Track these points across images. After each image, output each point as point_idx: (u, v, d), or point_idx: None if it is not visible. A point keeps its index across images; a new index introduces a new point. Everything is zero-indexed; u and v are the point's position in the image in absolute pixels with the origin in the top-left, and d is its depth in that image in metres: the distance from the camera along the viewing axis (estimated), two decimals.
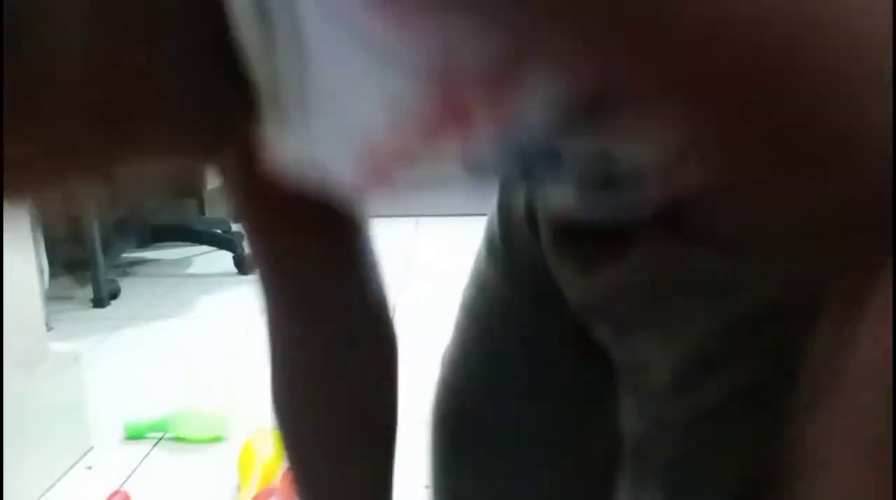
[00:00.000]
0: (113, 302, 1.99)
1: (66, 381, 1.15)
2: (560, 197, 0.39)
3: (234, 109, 0.30)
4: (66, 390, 1.15)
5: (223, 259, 2.37)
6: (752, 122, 0.22)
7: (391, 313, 0.47)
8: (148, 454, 1.17)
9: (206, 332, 1.76)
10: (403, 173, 0.32)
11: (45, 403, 1.09)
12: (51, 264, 1.80)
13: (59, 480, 1.10)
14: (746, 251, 0.32)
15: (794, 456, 0.24)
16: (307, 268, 0.45)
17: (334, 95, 0.28)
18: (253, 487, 0.99)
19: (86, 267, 1.98)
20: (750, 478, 0.35)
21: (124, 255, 2.38)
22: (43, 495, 1.05)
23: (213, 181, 2.82)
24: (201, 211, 2.75)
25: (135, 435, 1.23)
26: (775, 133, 0.22)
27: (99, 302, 1.96)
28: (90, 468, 1.14)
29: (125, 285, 2.13)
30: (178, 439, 1.21)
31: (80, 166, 0.27)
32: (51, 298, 1.95)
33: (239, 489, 1.02)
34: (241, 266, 2.28)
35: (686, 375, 0.36)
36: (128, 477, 1.10)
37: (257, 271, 0.47)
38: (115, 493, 1.02)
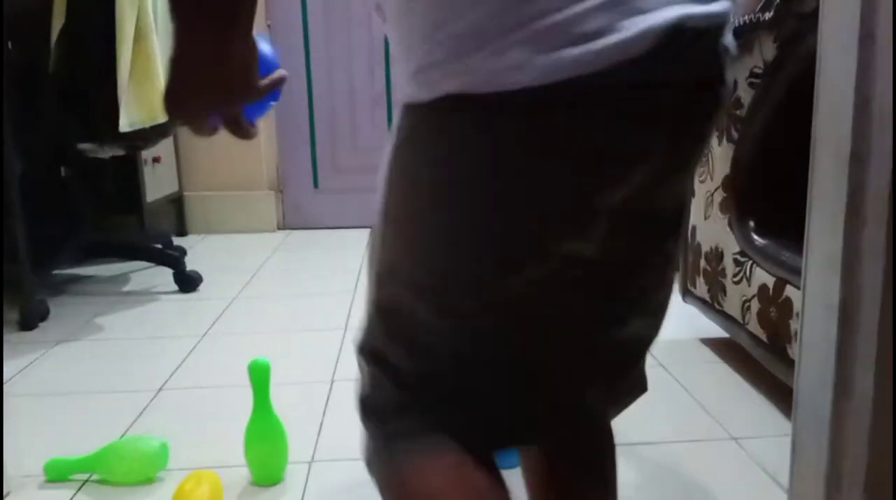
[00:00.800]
0: (41, 324, 1.84)
1: None
2: None
3: None
4: None
5: (163, 276, 2.23)
6: None
7: None
8: (71, 499, 1.04)
9: (142, 356, 1.63)
10: None
11: None
12: None
13: None
14: None
15: None
16: None
17: None
18: None
19: (13, 287, 1.82)
20: None
21: (56, 272, 2.22)
22: None
23: (154, 193, 2.68)
24: (141, 224, 2.59)
25: (56, 478, 1.09)
26: None
27: (26, 324, 1.81)
28: None
29: (55, 305, 1.97)
30: (104, 481, 1.09)
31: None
32: None
33: None
34: (183, 283, 2.14)
35: None
36: None
37: None
38: None
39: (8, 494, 1.06)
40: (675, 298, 1.61)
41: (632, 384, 0.65)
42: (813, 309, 0.67)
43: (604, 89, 0.46)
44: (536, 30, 0.45)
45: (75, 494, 1.06)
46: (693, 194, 1.51)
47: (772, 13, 1.14)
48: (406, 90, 0.52)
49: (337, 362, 1.54)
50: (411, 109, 0.52)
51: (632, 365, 0.63)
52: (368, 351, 0.58)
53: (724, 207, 1.37)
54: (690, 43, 0.46)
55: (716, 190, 1.39)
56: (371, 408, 0.58)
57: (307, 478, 1.09)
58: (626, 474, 1.08)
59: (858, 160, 0.60)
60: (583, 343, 0.57)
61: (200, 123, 0.58)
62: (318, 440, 1.20)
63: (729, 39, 0.51)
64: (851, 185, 0.60)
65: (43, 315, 1.87)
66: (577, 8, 0.44)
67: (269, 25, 2.93)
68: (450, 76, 0.47)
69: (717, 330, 1.50)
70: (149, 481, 1.08)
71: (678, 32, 0.45)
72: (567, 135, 0.47)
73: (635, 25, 0.44)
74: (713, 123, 0.54)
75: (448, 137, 0.50)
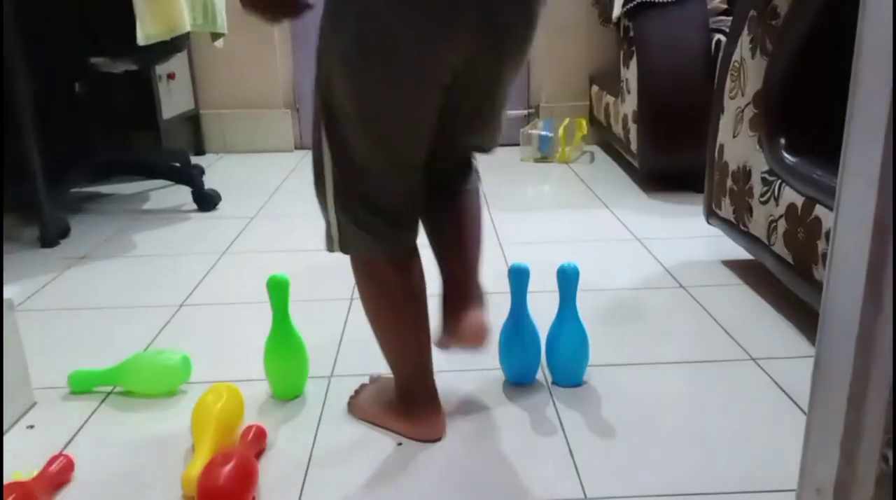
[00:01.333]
0: (62, 241, 1.85)
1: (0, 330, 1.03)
2: None
3: None
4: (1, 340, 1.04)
5: (182, 194, 2.23)
6: None
7: None
8: (94, 411, 1.06)
9: (163, 272, 1.64)
10: None
11: None
12: None
13: None
14: None
15: None
16: None
17: None
18: (207, 448, 0.89)
19: (31, 205, 1.83)
20: None
21: (75, 190, 2.22)
22: None
23: (169, 110, 2.65)
24: (158, 143, 2.58)
25: (80, 389, 1.11)
26: None
27: (47, 241, 1.82)
28: (32, 427, 1.03)
29: (76, 222, 1.98)
30: (128, 393, 1.11)
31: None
32: None
33: (193, 450, 0.92)
34: (202, 202, 2.13)
35: None
36: (72, 438, 1.00)
37: None
38: (57, 456, 0.91)
39: (34, 405, 1.09)
40: (697, 221, 1.58)
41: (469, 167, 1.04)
42: (846, 225, 0.64)
43: None
44: None
45: (99, 405, 1.08)
46: (722, 111, 1.45)
47: None
48: None
49: None
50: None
51: (469, 159, 1.04)
52: (334, 192, 0.92)
53: (754, 124, 1.32)
54: None
55: (746, 106, 1.34)
56: (344, 232, 0.93)
57: (326, 392, 1.10)
58: (646, 391, 1.08)
59: None
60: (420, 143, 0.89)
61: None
62: (337, 355, 1.21)
63: None
64: None
65: (63, 232, 1.88)
66: None
67: None
68: None
69: (740, 252, 1.47)
70: (171, 393, 1.10)
71: None
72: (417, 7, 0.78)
73: None
74: (516, 17, 0.84)
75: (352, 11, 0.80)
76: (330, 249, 0.96)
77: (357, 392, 1.07)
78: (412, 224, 0.94)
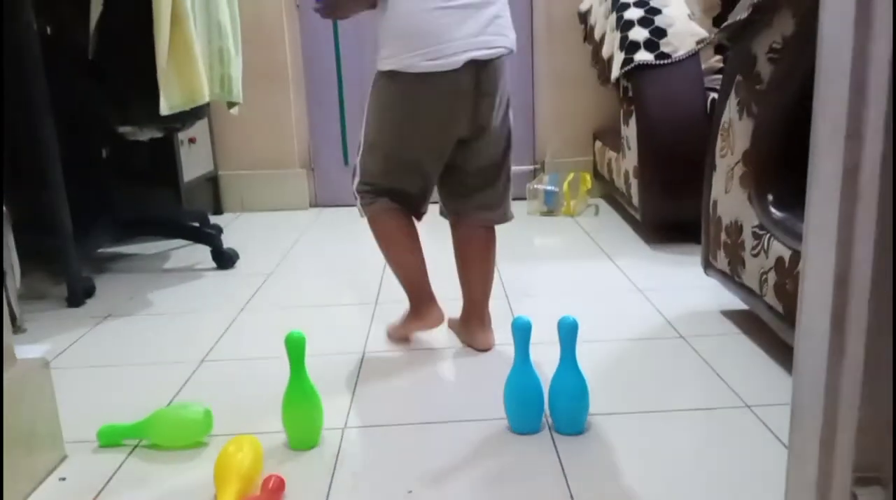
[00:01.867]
0: (88, 300, 1.94)
1: (36, 388, 1.10)
2: None
3: None
4: (36, 397, 1.10)
5: (201, 252, 2.32)
6: None
7: None
8: (123, 462, 1.13)
9: (185, 329, 1.71)
10: None
11: (14, 411, 1.04)
12: (22, 260, 1.74)
13: (31, 493, 1.05)
14: None
15: None
16: None
17: None
18: (229, 498, 0.95)
19: (59, 262, 1.92)
20: None
21: (100, 250, 2.32)
22: None
23: (190, 173, 2.77)
24: (178, 203, 2.69)
25: (109, 442, 1.18)
26: None
27: (73, 300, 1.91)
28: (63, 479, 1.09)
29: (101, 281, 2.07)
30: (153, 445, 1.17)
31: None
32: (22, 296, 1.89)
33: (215, 498, 0.98)
34: (221, 260, 2.22)
35: None
36: (101, 489, 1.06)
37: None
38: None
39: (65, 458, 1.15)
40: (697, 271, 1.64)
41: (476, 203, 1.50)
42: (811, 278, 0.70)
43: (446, 76, 1.31)
44: (422, 53, 1.30)
45: (127, 458, 1.14)
46: (714, 168, 1.53)
47: None
48: (377, 65, 1.37)
49: (368, 334, 1.60)
50: (378, 73, 1.38)
51: (475, 191, 1.49)
52: (358, 170, 1.47)
53: (744, 181, 1.39)
54: (480, 64, 1.33)
55: (736, 164, 1.42)
56: (357, 190, 1.47)
57: (340, 443, 1.16)
58: (644, 439, 1.13)
59: (854, 138, 0.63)
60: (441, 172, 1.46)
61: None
62: (350, 407, 1.27)
63: (506, 53, 1.40)
64: (847, 162, 0.64)
65: (89, 292, 1.97)
66: (435, 50, 1.29)
67: (297, 6, 2.98)
68: (392, 63, 1.34)
69: (737, 302, 1.53)
70: (195, 445, 1.16)
71: (471, 62, 1.31)
72: (432, 90, 1.33)
73: (455, 60, 1.30)
74: (494, 98, 1.38)
75: (391, 86, 1.37)
76: (361, 214, 1.51)
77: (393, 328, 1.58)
78: (396, 198, 1.46)
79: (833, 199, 0.66)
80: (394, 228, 1.48)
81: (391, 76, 1.35)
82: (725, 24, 1.40)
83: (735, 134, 1.41)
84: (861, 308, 0.64)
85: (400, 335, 1.57)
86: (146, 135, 2.13)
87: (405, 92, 1.35)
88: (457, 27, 1.30)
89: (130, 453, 1.15)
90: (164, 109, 1.82)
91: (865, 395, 0.66)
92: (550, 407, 1.16)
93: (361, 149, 1.45)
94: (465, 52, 1.30)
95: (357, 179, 1.47)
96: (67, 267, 1.90)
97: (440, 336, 1.58)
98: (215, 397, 1.30)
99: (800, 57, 1.21)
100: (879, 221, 0.62)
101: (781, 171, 1.31)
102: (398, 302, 1.85)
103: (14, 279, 1.70)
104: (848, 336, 0.67)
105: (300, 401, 1.14)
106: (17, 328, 1.70)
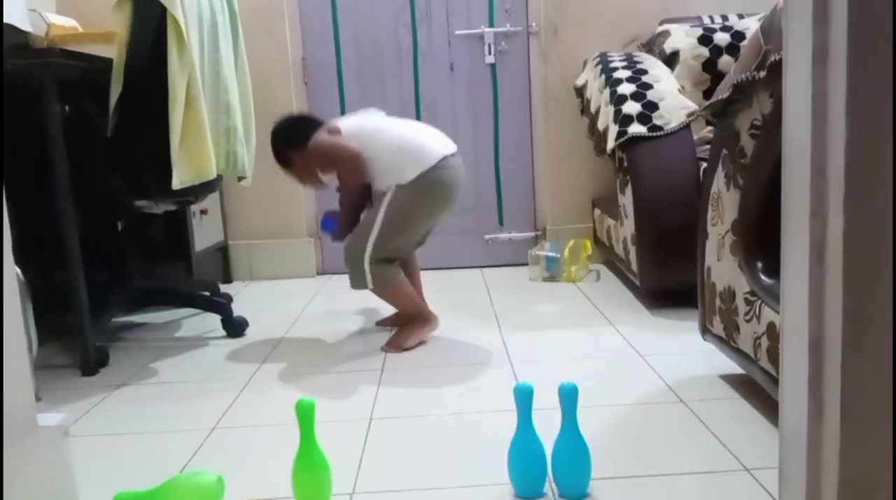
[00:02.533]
0: (102, 370, 1.98)
1: (55, 456, 1.14)
2: None
3: None
4: (55, 464, 1.14)
5: (212, 321, 2.37)
6: None
7: None
8: None
9: (196, 397, 1.75)
10: None
11: (34, 479, 1.08)
12: (38, 331, 1.80)
13: None
14: None
15: None
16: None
17: None
18: None
19: (73, 334, 1.98)
20: None
21: (113, 320, 2.37)
22: None
23: (201, 243, 2.84)
24: (189, 273, 2.76)
25: None
26: None
27: (87, 370, 1.95)
28: None
29: (114, 351, 2.12)
30: None
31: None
32: (38, 367, 1.94)
33: None
34: (231, 329, 2.27)
35: None
36: None
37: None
38: None
39: None
40: (696, 336, 1.69)
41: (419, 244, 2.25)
42: (790, 345, 0.76)
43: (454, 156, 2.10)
44: (414, 169, 2.02)
45: None
46: (707, 236, 1.60)
47: (765, 72, 1.24)
48: (390, 182, 2.04)
49: (375, 401, 1.64)
50: (398, 187, 2.03)
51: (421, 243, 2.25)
52: (372, 249, 2.05)
53: (734, 249, 1.46)
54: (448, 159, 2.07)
55: (726, 233, 1.48)
56: (371, 262, 2.05)
57: None
58: None
59: (818, 216, 0.70)
60: (419, 238, 2.20)
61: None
62: (358, 473, 1.30)
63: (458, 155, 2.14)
64: (813, 237, 0.70)
65: (103, 361, 2.01)
66: (422, 161, 2.02)
67: (306, 83, 3.11)
68: (397, 179, 2.02)
69: (734, 366, 1.57)
70: None
71: (444, 158, 2.04)
72: (451, 169, 2.07)
73: (433, 157, 2.03)
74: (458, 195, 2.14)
75: (417, 184, 2.02)
76: (360, 287, 2.08)
77: (389, 344, 2.07)
78: (401, 260, 2.14)
79: (803, 271, 0.72)
80: (402, 279, 2.11)
81: (416, 180, 2.01)
82: (710, 101, 1.49)
83: (724, 204, 1.48)
84: (834, 371, 0.69)
85: (416, 343, 2.07)
86: (161, 208, 2.21)
87: (436, 179, 2.03)
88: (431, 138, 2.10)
89: None
90: (176, 183, 1.90)
91: (845, 453, 0.70)
92: (553, 472, 1.20)
93: (378, 236, 2.03)
94: (440, 154, 2.05)
95: (370, 255, 2.04)
96: (82, 338, 1.95)
97: (445, 400, 1.62)
98: (227, 464, 1.33)
99: (778, 134, 1.29)
100: (846, 291, 0.67)
101: (769, 239, 1.37)
102: (405, 368, 1.90)
103: (32, 351, 1.76)
104: (825, 397, 0.71)
105: (310, 467, 1.18)
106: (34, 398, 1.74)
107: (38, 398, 1.76)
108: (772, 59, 1.23)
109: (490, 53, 3.09)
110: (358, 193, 2.14)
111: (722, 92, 1.42)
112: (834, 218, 0.68)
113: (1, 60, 1.86)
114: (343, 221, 2.16)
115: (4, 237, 1.09)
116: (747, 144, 1.38)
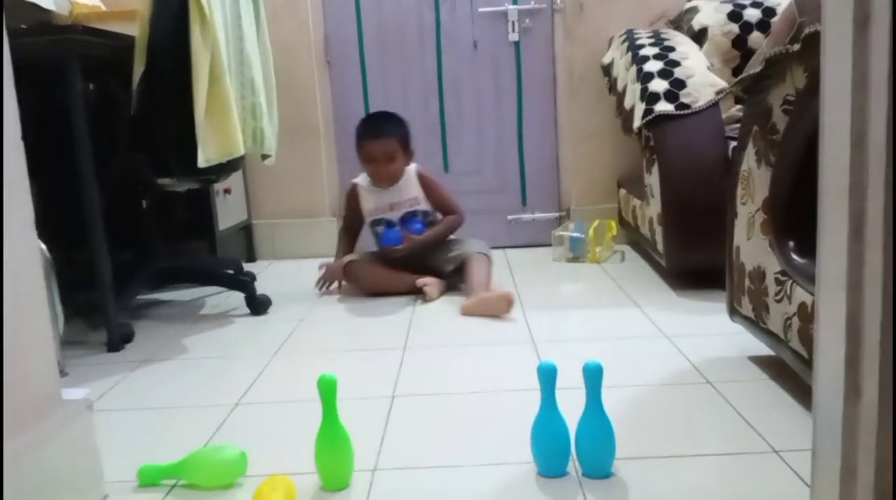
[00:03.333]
0: (127, 346, 2.00)
1: (80, 429, 1.16)
2: None
3: None
4: (79, 437, 1.15)
5: (235, 299, 2.38)
6: None
7: None
8: None
9: (219, 373, 1.76)
10: None
11: (59, 451, 1.09)
12: (64, 308, 1.81)
13: None
14: None
15: None
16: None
17: None
18: None
19: (99, 311, 1.99)
20: None
21: (137, 297, 2.39)
22: None
23: (225, 222, 2.85)
24: (213, 252, 2.77)
25: (148, 482, 1.22)
26: None
27: (113, 346, 1.97)
28: None
29: (139, 328, 2.14)
30: (191, 485, 1.21)
31: None
32: (64, 343, 1.96)
33: None
34: (254, 307, 2.28)
35: None
36: None
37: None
38: None
39: (106, 497, 1.19)
40: (723, 317, 1.66)
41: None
42: (825, 324, 0.73)
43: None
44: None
45: (165, 497, 1.18)
46: (736, 216, 1.56)
47: (800, 45, 1.21)
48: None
49: (397, 378, 1.64)
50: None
51: None
52: None
53: (764, 228, 1.42)
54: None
55: (756, 212, 1.45)
56: None
57: (371, 484, 1.18)
58: (671, 483, 1.14)
59: (857, 190, 0.67)
60: None
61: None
62: (380, 449, 1.30)
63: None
64: (852, 212, 0.67)
65: (128, 337, 2.03)
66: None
67: (328, 62, 3.09)
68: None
69: (763, 348, 1.54)
70: (229, 486, 1.20)
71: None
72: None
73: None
74: None
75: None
76: None
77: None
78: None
79: (841, 247, 0.69)
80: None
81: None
82: (740, 76, 1.45)
83: (754, 182, 1.45)
84: (873, 350, 0.67)
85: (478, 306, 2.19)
86: (184, 186, 2.22)
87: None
88: None
89: (168, 492, 1.19)
90: (202, 161, 1.90)
91: (881, 434, 0.68)
92: (577, 451, 1.18)
93: None
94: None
95: None
96: (107, 315, 1.97)
97: (468, 379, 1.61)
98: (250, 439, 1.34)
99: (812, 109, 1.25)
100: (885, 267, 0.65)
101: (801, 218, 1.34)
102: (428, 346, 1.89)
103: (57, 326, 1.77)
104: (861, 378, 0.69)
105: (332, 443, 1.17)
106: (59, 373, 1.76)
107: (63, 374, 1.78)
108: (807, 31, 1.19)
109: (514, 31, 3.04)
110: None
111: (754, 67, 1.38)
112: (873, 191, 0.65)
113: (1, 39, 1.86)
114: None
115: (30, 215, 1.09)
116: (779, 120, 1.34)
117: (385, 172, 2.44)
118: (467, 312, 2.15)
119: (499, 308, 2.10)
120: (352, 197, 2.55)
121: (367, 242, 2.64)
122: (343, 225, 2.65)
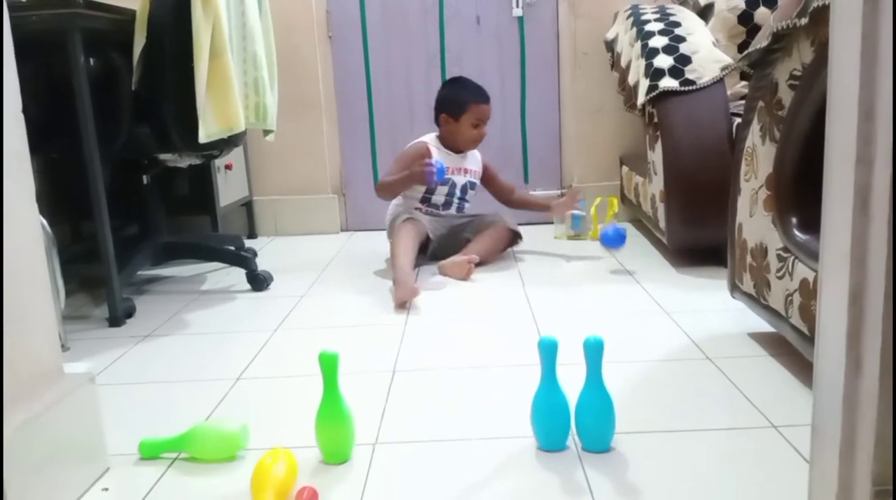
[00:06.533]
0: (129, 321, 2.00)
1: (82, 402, 1.16)
2: None
3: None
4: (82, 411, 1.16)
5: (236, 275, 2.38)
6: None
7: None
8: (162, 475, 1.17)
9: (221, 348, 1.76)
10: None
11: (61, 424, 1.10)
12: (66, 283, 1.81)
13: None
14: None
15: None
16: None
17: None
18: None
19: (101, 286, 1.99)
20: None
21: (139, 273, 2.39)
22: None
23: (226, 198, 2.84)
24: (214, 228, 2.77)
25: (150, 455, 1.23)
26: None
27: (114, 321, 1.97)
28: (106, 489, 1.14)
29: (140, 302, 2.14)
30: (192, 458, 1.21)
31: None
32: (66, 317, 1.97)
33: None
34: (255, 283, 2.28)
35: None
36: (142, 499, 1.10)
37: None
38: None
39: (108, 469, 1.20)
40: (724, 294, 1.66)
41: None
42: (827, 296, 0.73)
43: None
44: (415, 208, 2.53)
45: (166, 470, 1.19)
46: (739, 192, 1.55)
47: (807, 19, 1.19)
48: (402, 208, 2.54)
49: (398, 353, 1.64)
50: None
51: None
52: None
53: (767, 204, 1.42)
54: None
55: (759, 188, 1.44)
56: None
57: (371, 458, 1.19)
58: (671, 457, 1.15)
59: (864, 162, 0.66)
60: None
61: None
62: (381, 424, 1.31)
63: None
64: (858, 185, 0.67)
65: (130, 312, 2.03)
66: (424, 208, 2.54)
67: (330, 37, 3.07)
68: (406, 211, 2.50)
69: (764, 324, 1.54)
70: (231, 459, 1.20)
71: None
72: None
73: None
74: None
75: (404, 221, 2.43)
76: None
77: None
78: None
79: (846, 220, 0.69)
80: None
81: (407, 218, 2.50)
82: (747, 51, 1.43)
83: (758, 158, 1.44)
84: (875, 324, 0.67)
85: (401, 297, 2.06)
86: (185, 162, 2.21)
87: (411, 221, 2.49)
88: None
89: (170, 465, 1.20)
90: (203, 137, 1.89)
91: (882, 409, 0.68)
92: (577, 425, 1.19)
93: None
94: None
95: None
96: (109, 290, 1.97)
97: (468, 354, 1.61)
98: (251, 413, 1.34)
99: (819, 84, 1.24)
100: (891, 240, 0.64)
101: (804, 194, 1.33)
102: (428, 322, 1.89)
103: (59, 301, 1.78)
104: (863, 352, 0.69)
105: (333, 417, 1.18)
106: (61, 347, 1.76)
107: (65, 348, 1.79)
108: (815, 5, 1.18)
109: (518, 6, 3.01)
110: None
111: (760, 41, 1.37)
112: (881, 164, 0.65)
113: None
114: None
115: (31, 190, 1.08)
116: (785, 95, 1.33)
117: (481, 136, 2.53)
118: (440, 271, 2.36)
119: (459, 272, 2.29)
120: (426, 154, 2.46)
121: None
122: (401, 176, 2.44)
